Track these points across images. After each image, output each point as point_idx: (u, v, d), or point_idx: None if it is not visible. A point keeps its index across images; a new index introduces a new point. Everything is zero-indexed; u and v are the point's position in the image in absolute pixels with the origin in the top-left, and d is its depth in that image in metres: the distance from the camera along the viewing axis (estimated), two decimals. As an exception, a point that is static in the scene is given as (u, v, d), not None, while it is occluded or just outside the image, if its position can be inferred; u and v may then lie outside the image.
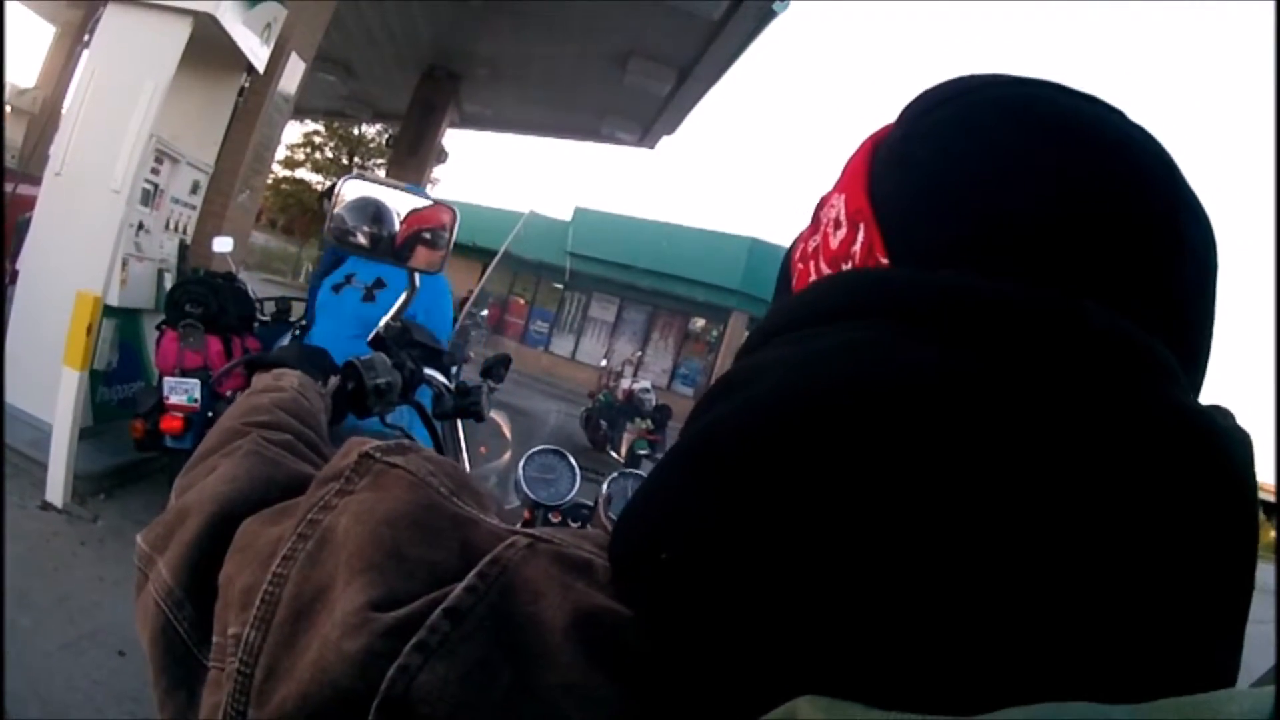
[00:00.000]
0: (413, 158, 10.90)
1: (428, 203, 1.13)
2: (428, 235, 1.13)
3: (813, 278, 0.42)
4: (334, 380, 1.00)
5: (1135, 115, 0.39)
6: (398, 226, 1.11)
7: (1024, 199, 0.35)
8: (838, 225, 0.40)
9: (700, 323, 20.02)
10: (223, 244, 3.99)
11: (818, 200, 0.46)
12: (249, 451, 0.56)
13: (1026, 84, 0.39)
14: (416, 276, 1.18)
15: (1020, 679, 0.28)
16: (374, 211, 1.11)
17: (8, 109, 6.21)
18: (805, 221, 0.47)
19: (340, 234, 1.10)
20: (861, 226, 0.39)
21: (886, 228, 0.38)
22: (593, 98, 9.76)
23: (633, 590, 0.35)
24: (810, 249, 0.44)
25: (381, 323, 1.21)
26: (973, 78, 0.41)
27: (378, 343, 1.17)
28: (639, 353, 15.25)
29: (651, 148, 11.34)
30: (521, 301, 22.91)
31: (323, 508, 0.42)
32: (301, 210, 31.69)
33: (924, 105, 0.41)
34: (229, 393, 3.14)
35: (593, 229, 19.65)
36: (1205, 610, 0.30)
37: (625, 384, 10.33)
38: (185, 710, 0.44)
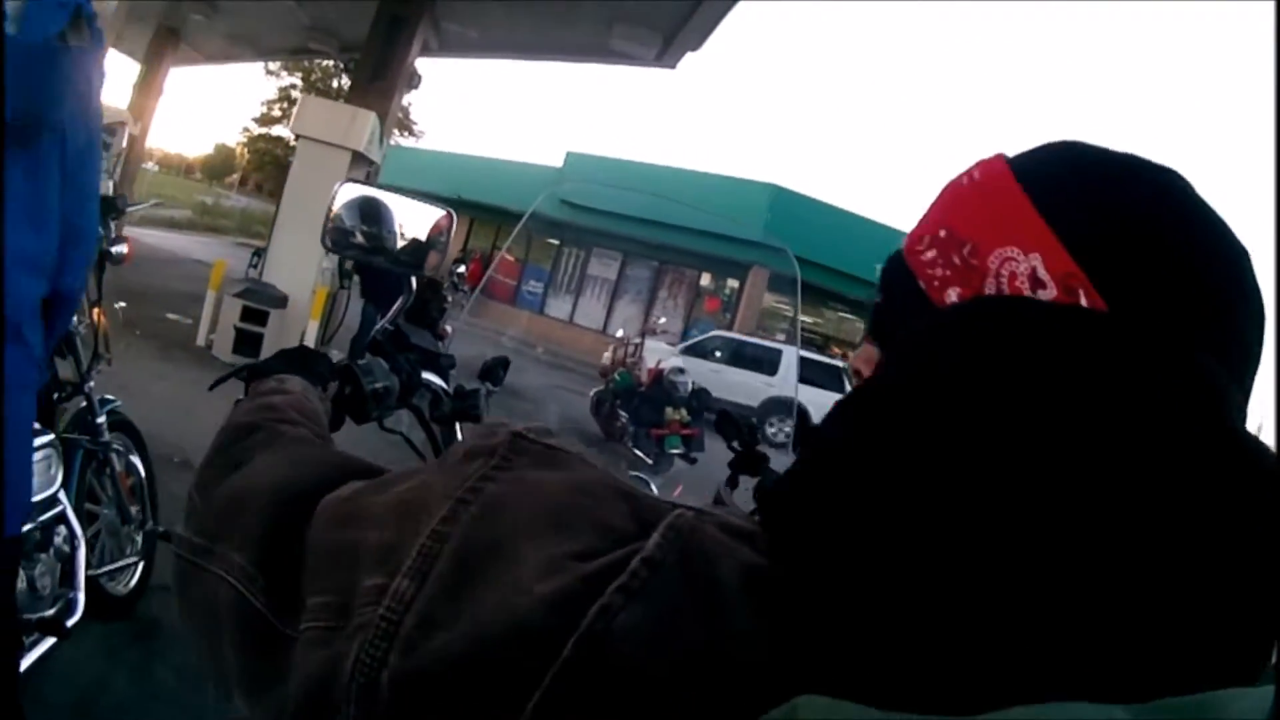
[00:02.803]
0: (378, 83, 8.91)
1: (424, 207, 1.21)
2: (425, 238, 1.21)
3: None
4: (334, 386, 0.98)
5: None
6: (397, 231, 1.19)
7: (1215, 278, 0.42)
8: (1038, 284, 0.42)
9: (714, 279, 18.14)
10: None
11: (959, 244, 0.47)
12: (295, 439, 0.63)
13: (1184, 181, 0.45)
14: (413, 280, 1.26)
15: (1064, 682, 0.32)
16: (373, 216, 1.18)
17: None
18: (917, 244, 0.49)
19: (340, 240, 1.19)
20: (1082, 292, 0.41)
21: (1114, 298, 0.41)
22: (601, 2, 7.86)
23: (787, 555, 0.39)
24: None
25: (377, 327, 1.22)
26: (1168, 172, 0.45)
27: (375, 347, 1.14)
28: (660, 319, 13.31)
29: (672, 67, 9.61)
30: (511, 258, 20.98)
31: (483, 478, 0.43)
32: (278, 168, 30.41)
33: (1132, 183, 0.44)
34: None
35: (589, 176, 17.74)
36: (1249, 620, 0.34)
37: (649, 362, 8.35)
38: (271, 677, 0.46)
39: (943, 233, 0.47)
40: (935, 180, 0.50)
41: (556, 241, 20.47)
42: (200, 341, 7.49)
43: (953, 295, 0.45)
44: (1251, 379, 0.43)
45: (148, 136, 16.19)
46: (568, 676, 0.34)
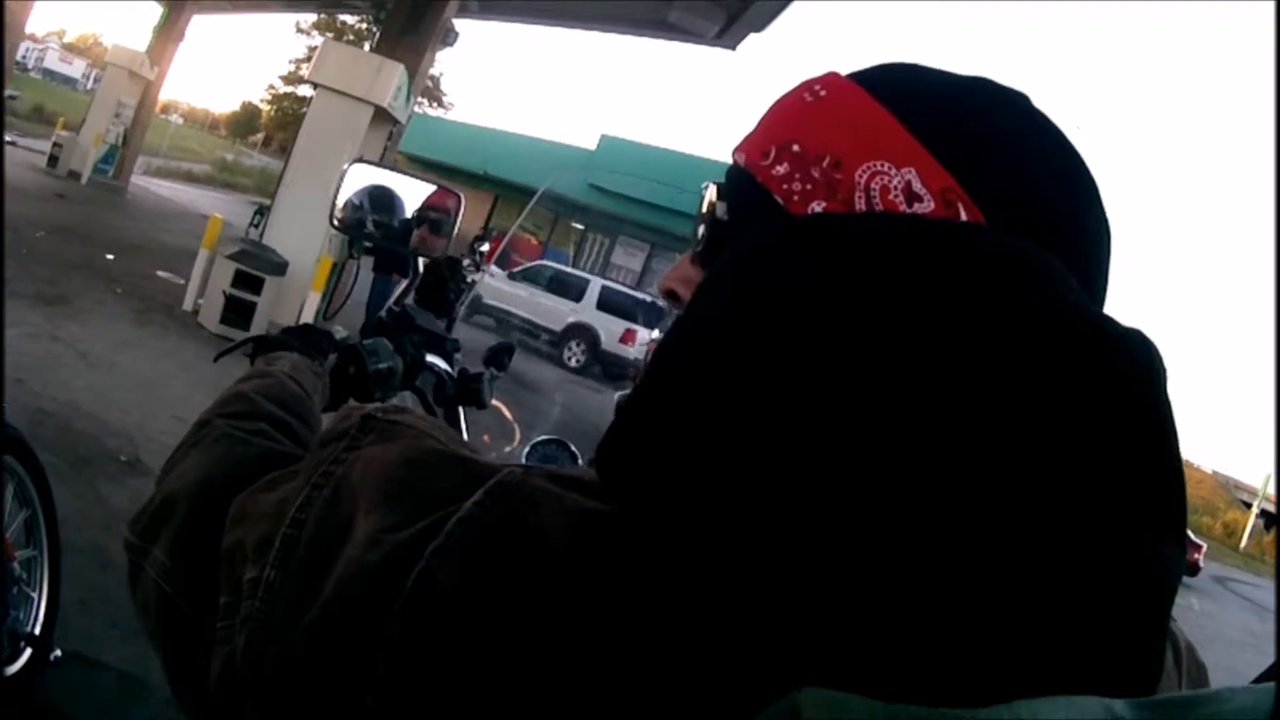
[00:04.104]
0: (409, 36, 8.18)
1: (434, 189, 1.24)
2: (433, 220, 1.23)
3: None
4: (332, 358, 0.98)
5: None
6: (408, 214, 1.22)
7: (1073, 195, 0.43)
8: (914, 197, 0.42)
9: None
10: None
11: (816, 158, 0.45)
12: (219, 437, 0.59)
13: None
14: (420, 262, 1.28)
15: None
16: (385, 201, 1.21)
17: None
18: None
19: (350, 222, 1.20)
20: (961, 206, 0.41)
21: (989, 209, 0.41)
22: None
23: (616, 491, 0.38)
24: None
25: (384, 308, 1.20)
26: (1021, 94, 0.46)
27: (380, 327, 1.16)
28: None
29: (732, 48, 8.82)
30: (534, 241, 20.24)
31: (334, 462, 0.44)
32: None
33: (993, 101, 0.45)
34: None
35: (622, 161, 17.03)
36: (1113, 504, 0.32)
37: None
38: (192, 673, 0.46)
39: (795, 147, 0.45)
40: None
41: (581, 226, 19.71)
42: (187, 306, 6.72)
43: (817, 208, 0.44)
44: (1101, 298, 0.44)
45: (165, 82, 15.54)
46: (400, 645, 0.34)
